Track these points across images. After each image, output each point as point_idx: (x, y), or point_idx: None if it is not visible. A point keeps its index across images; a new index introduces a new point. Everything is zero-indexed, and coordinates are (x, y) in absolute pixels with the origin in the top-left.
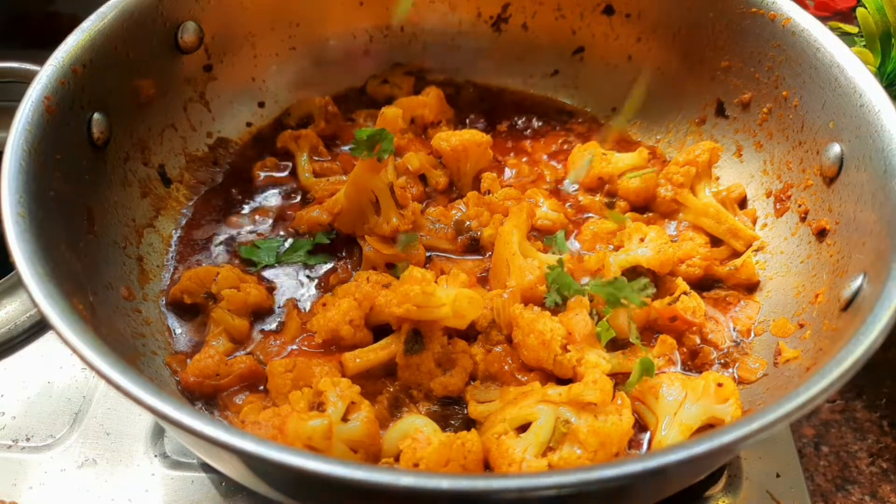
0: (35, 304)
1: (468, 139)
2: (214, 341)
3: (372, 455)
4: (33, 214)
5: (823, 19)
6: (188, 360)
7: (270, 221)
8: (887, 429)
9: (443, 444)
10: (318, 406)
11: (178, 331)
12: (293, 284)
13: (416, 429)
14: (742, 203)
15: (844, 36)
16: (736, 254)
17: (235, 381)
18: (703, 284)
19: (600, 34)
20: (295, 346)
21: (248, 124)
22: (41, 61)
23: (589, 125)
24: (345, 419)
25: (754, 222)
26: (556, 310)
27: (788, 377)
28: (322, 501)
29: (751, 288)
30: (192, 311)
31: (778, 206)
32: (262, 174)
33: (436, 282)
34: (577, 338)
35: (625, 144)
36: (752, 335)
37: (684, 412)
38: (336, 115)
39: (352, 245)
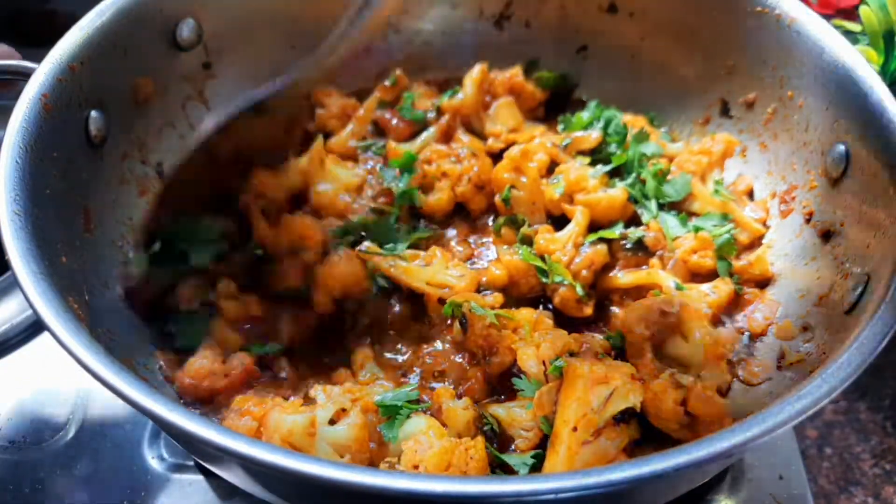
0: (29, 303)
1: None
2: (210, 351)
3: (362, 462)
4: (29, 213)
5: (826, 17)
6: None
7: None
8: (891, 430)
9: (445, 449)
10: None
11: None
12: None
13: (421, 431)
14: (751, 195)
15: (847, 34)
16: (748, 249)
17: (235, 383)
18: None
19: (603, 32)
20: None
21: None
22: (39, 59)
23: None
24: (332, 423)
25: (766, 212)
26: None
27: (792, 380)
28: None
29: (763, 283)
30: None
31: (783, 208)
32: None
33: None
34: None
35: None
36: (770, 334)
37: None
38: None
39: None
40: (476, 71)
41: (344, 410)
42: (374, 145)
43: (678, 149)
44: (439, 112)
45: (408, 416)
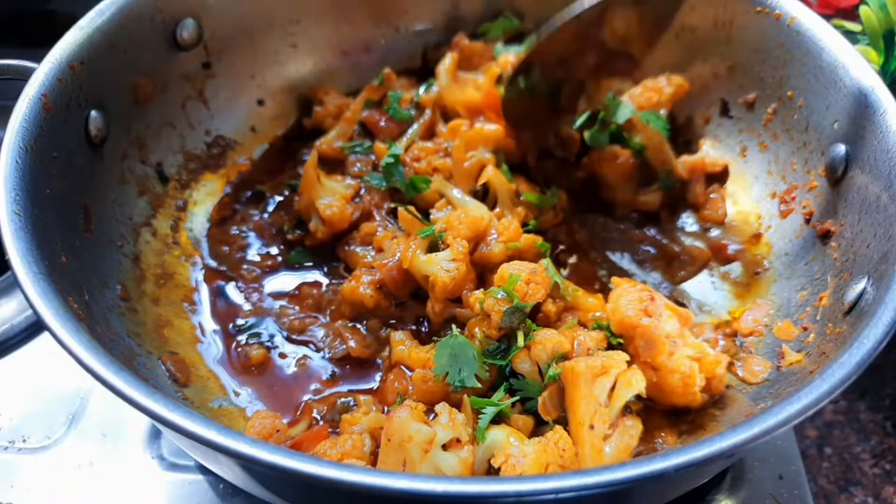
0: (29, 303)
1: None
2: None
3: None
4: (29, 213)
5: (826, 17)
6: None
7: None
8: (890, 430)
9: (538, 452)
10: None
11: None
12: None
13: (506, 443)
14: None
15: (847, 34)
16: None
17: (300, 444)
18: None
19: None
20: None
21: (248, 122)
22: (39, 59)
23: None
24: (445, 448)
25: (758, 219)
26: None
27: (792, 380)
28: None
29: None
30: None
31: (782, 208)
32: None
33: None
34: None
35: None
36: (770, 334)
37: None
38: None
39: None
40: (448, 60)
41: (459, 441)
42: (360, 146)
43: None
44: (419, 107)
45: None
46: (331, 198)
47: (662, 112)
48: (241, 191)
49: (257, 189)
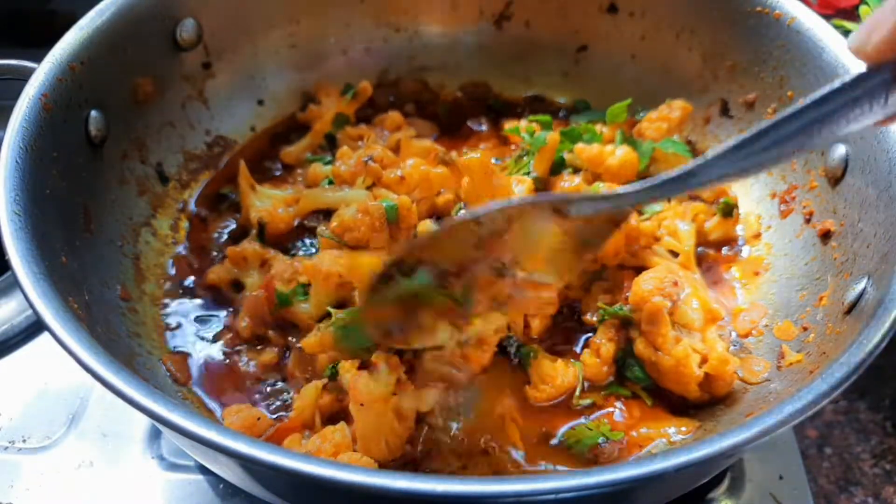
0: (29, 303)
1: None
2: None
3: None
4: (29, 213)
5: (826, 17)
6: (187, 360)
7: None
8: (890, 430)
9: None
10: None
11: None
12: None
13: None
14: None
15: (847, 34)
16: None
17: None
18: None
19: (604, 32)
20: None
21: (248, 122)
22: (39, 59)
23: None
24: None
25: (758, 219)
26: None
27: (792, 380)
28: None
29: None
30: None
31: (782, 208)
32: None
33: None
34: None
35: None
36: (770, 334)
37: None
38: None
39: None
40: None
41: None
42: (322, 160)
43: None
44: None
45: None
46: (266, 202)
47: (676, 137)
48: (213, 191)
49: (220, 192)
